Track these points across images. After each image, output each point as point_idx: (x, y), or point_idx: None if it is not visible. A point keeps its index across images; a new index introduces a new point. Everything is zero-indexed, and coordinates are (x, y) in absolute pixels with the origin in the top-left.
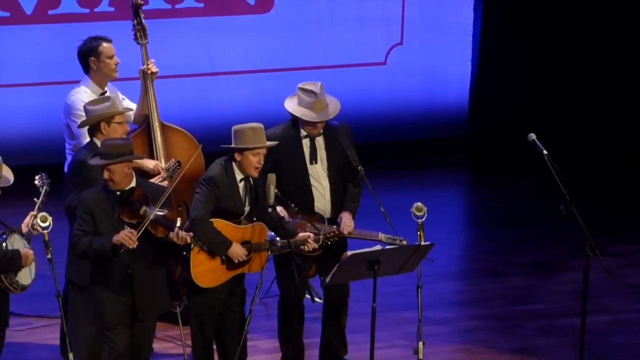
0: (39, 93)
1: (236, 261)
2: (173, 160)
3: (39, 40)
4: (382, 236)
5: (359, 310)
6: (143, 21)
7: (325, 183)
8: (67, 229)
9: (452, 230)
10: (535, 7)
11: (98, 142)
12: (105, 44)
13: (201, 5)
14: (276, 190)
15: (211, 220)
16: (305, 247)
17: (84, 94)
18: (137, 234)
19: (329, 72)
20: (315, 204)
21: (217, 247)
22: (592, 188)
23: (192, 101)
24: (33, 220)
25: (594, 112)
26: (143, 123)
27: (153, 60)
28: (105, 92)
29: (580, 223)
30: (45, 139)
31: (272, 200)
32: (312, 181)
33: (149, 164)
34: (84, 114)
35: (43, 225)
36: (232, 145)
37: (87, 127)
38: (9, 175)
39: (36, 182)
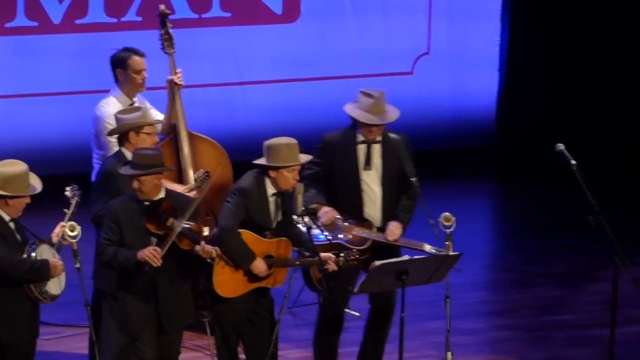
0: (67, 102)
1: (258, 275)
2: (202, 170)
3: (67, 50)
4: (427, 247)
5: None
6: (170, 30)
7: (378, 190)
8: (91, 238)
9: (481, 240)
10: (563, 17)
11: (126, 152)
12: (135, 57)
13: (228, 14)
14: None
15: (239, 231)
16: (327, 267)
17: (112, 106)
18: (163, 250)
19: (355, 81)
20: (365, 209)
21: (241, 258)
22: (621, 198)
23: (218, 110)
24: (63, 230)
25: (623, 122)
26: (170, 133)
27: (180, 70)
28: (134, 102)
29: (609, 233)
30: (74, 148)
31: (300, 210)
32: (364, 187)
33: (177, 188)
34: (112, 125)
35: (72, 234)
36: (266, 164)
37: (117, 136)
38: (37, 183)
39: (67, 193)
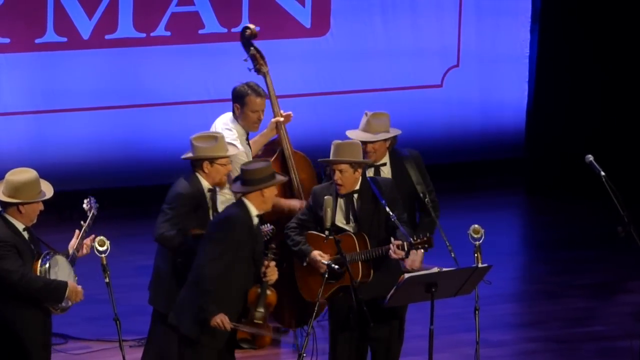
0: (96, 117)
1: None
2: (268, 225)
3: (96, 65)
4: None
5: (417, 332)
6: (258, 48)
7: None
8: (120, 253)
9: (510, 252)
10: (592, 29)
11: (200, 177)
12: (255, 98)
13: (257, 28)
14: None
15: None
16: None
17: (229, 133)
18: (235, 326)
19: (385, 94)
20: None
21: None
22: None
23: None
24: (79, 241)
25: None
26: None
27: (290, 114)
28: (248, 134)
29: (639, 244)
30: (103, 163)
31: (329, 223)
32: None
33: (295, 205)
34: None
35: (101, 249)
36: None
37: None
38: (47, 189)
39: (84, 205)
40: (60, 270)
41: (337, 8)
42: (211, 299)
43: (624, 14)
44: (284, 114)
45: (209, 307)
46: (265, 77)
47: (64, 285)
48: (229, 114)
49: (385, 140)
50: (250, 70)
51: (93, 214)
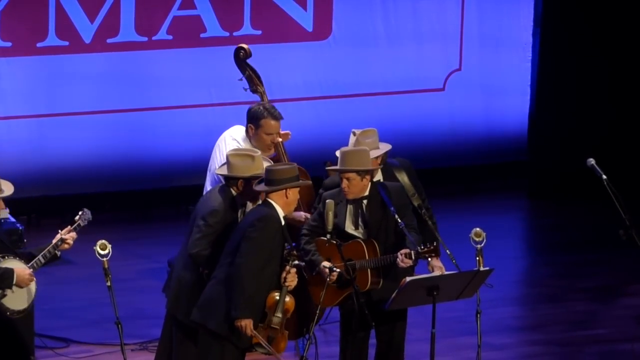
0: (98, 122)
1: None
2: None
3: (98, 69)
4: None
5: (419, 336)
6: (254, 68)
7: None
8: (122, 256)
9: (512, 255)
10: (595, 33)
11: (233, 192)
12: (270, 121)
13: (259, 32)
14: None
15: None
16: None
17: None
18: (254, 334)
19: (387, 98)
20: None
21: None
22: None
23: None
24: (58, 241)
25: None
26: None
27: (289, 133)
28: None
29: None
30: (104, 167)
31: (330, 227)
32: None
33: (300, 217)
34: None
35: (102, 252)
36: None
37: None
38: (7, 188)
39: (76, 217)
40: (11, 265)
41: (339, 12)
42: (245, 299)
43: (628, 16)
44: (282, 133)
45: (241, 307)
46: (262, 97)
47: (9, 271)
48: (241, 129)
49: (376, 157)
50: (246, 90)
51: (79, 224)
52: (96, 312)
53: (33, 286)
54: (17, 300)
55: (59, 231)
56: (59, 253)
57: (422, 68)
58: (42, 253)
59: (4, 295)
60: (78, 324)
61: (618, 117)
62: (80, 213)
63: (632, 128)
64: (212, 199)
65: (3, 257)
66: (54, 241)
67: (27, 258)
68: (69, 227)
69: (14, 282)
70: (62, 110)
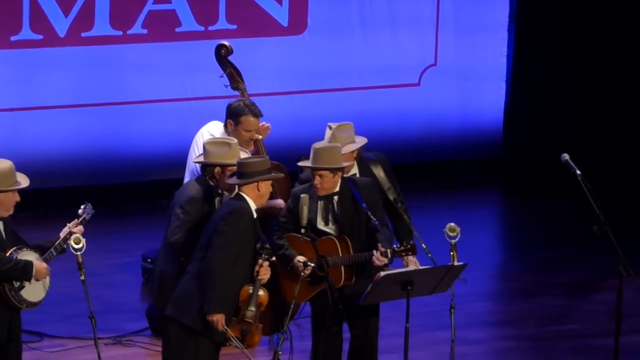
0: (72, 115)
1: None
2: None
3: (72, 63)
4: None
5: (392, 330)
6: (235, 65)
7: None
8: (96, 250)
9: (486, 250)
10: (570, 28)
11: (210, 182)
12: (250, 118)
13: (234, 27)
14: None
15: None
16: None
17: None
18: (226, 330)
19: (363, 93)
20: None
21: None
22: (629, 210)
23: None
24: (67, 235)
25: (631, 133)
26: None
27: (269, 126)
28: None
29: (614, 243)
30: (79, 160)
31: (305, 221)
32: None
33: (278, 204)
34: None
35: (76, 246)
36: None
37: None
38: (23, 180)
39: (80, 211)
40: (29, 257)
41: (314, 6)
42: (217, 294)
43: (598, 14)
44: (262, 128)
45: (213, 302)
46: (242, 94)
47: (30, 263)
48: (219, 125)
49: (352, 151)
50: (226, 86)
51: (84, 218)
52: (70, 307)
53: (47, 279)
54: (33, 292)
55: (67, 224)
56: (65, 246)
57: (398, 63)
58: (53, 246)
59: (22, 287)
60: (51, 318)
61: (592, 112)
62: (83, 206)
63: (605, 123)
64: (189, 187)
65: (20, 249)
66: (62, 234)
67: (37, 250)
68: (76, 220)
69: (33, 274)
70: (36, 104)
